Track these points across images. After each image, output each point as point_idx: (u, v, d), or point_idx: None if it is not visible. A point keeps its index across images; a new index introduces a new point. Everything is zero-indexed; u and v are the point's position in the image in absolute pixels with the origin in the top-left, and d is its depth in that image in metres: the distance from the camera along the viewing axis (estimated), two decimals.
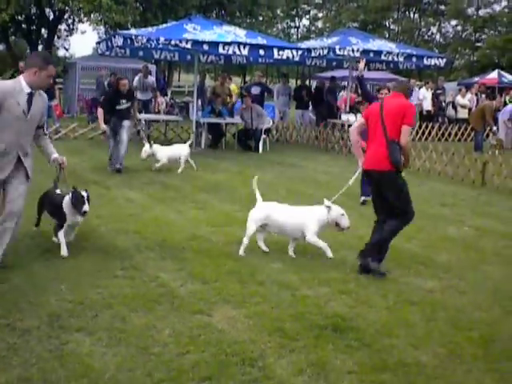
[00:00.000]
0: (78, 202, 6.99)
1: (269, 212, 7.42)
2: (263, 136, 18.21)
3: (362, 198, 10.68)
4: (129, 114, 13.58)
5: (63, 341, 4.84)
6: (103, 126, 13.24)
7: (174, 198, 10.54)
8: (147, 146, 13.32)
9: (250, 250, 7.54)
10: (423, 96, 24.35)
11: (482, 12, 67.29)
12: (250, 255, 7.39)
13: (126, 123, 13.28)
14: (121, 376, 4.34)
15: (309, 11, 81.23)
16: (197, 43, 15.71)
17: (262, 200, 7.56)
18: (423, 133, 22.38)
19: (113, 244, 7.39)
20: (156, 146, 13.42)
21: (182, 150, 13.52)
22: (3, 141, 6.15)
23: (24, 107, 6.18)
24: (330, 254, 7.32)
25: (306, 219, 7.31)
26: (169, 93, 31.20)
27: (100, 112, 13.32)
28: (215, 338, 5.01)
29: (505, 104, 23.66)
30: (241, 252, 7.36)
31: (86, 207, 6.97)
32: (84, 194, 7.05)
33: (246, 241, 7.40)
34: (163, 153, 13.37)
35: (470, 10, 67.88)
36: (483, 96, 26.42)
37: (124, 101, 13.30)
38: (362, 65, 12.79)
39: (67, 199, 7.09)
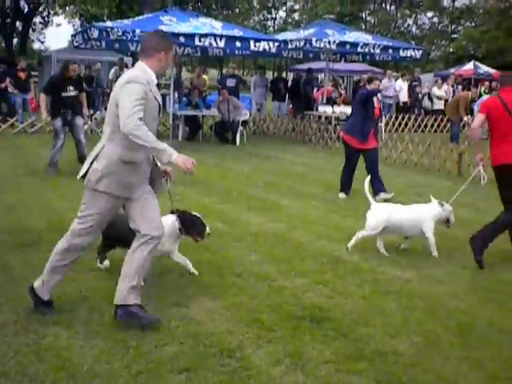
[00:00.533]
0: (195, 225, 6.13)
1: (389, 214, 7.45)
2: (240, 128, 18.21)
3: (382, 194, 10.36)
4: (80, 107, 12.34)
5: (41, 335, 4.82)
6: (45, 113, 12.31)
7: None
8: None
9: (227, 242, 7.56)
10: (399, 87, 24.46)
11: (458, 3, 67.72)
12: (226, 248, 7.40)
13: (80, 121, 12.23)
14: (98, 368, 4.34)
15: (285, 3, 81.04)
16: (173, 35, 15.64)
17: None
18: (399, 124, 22.49)
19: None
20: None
21: None
22: (140, 150, 4.95)
23: (159, 103, 5.05)
24: (436, 252, 7.42)
25: (424, 217, 7.45)
26: None
27: (42, 98, 12.26)
28: (193, 330, 5.02)
29: (480, 95, 23.83)
30: (382, 249, 7.41)
31: (208, 229, 6.19)
32: (197, 214, 6.24)
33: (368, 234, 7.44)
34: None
35: (446, 2, 68.20)
36: (459, 87, 26.62)
37: (71, 87, 11.99)
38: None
39: (170, 224, 5.95)
